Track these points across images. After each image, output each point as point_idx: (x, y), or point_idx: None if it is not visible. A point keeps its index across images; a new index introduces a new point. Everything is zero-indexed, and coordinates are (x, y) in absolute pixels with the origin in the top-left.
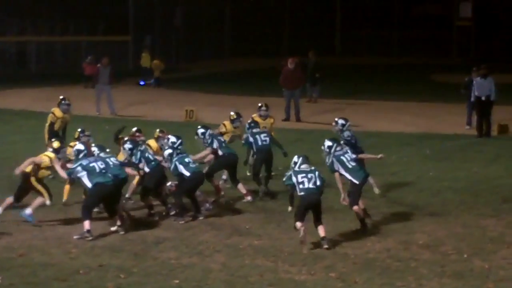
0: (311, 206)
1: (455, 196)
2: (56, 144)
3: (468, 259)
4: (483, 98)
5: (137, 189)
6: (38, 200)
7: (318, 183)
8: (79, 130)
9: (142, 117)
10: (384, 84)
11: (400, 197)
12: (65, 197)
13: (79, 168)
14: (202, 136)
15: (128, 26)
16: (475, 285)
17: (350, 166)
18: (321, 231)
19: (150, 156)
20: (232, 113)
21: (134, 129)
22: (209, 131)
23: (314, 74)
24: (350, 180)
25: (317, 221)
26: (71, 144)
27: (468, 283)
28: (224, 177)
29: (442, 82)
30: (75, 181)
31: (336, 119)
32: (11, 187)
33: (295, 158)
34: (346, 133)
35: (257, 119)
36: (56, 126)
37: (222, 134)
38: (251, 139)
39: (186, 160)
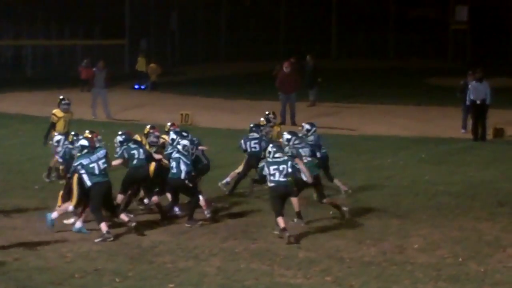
0: (282, 197)
1: (450, 200)
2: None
3: (463, 263)
4: (478, 102)
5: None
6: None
7: (289, 170)
8: (72, 133)
9: (138, 120)
10: (380, 88)
11: (396, 200)
12: (59, 203)
13: (79, 167)
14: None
15: (124, 30)
16: None
17: (305, 161)
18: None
19: (136, 154)
20: (262, 118)
21: (148, 126)
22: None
23: (312, 78)
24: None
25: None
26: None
27: (463, 287)
28: (225, 180)
29: (438, 85)
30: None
31: (303, 123)
32: (7, 191)
33: (269, 148)
34: (311, 138)
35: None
36: (60, 127)
37: None
38: (243, 145)
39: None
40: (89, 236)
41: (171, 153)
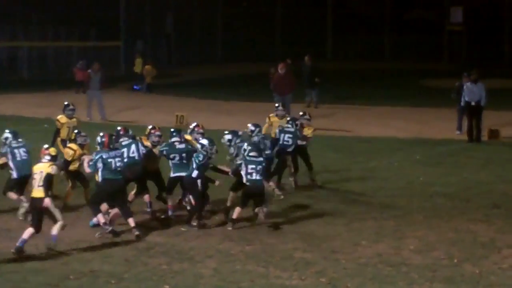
0: (255, 195)
1: (446, 201)
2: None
3: (459, 264)
4: (473, 103)
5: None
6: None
7: (262, 171)
8: (75, 131)
9: (133, 122)
10: (375, 89)
11: (391, 202)
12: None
13: (99, 161)
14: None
15: (119, 32)
16: None
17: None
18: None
19: (125, 154)
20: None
21: (149, 126)
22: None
23: (311, 79)
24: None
25: (258, 205)
26: (69, 145)
27: None
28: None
29: (433, 87)
30: (76, 186)
31: (248, 124)
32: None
33: (245, 146)
34: (255, 138)
35: (274, 118)
36: (64, 133)
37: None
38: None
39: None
40: (86, 238)
41: (163, 150)
